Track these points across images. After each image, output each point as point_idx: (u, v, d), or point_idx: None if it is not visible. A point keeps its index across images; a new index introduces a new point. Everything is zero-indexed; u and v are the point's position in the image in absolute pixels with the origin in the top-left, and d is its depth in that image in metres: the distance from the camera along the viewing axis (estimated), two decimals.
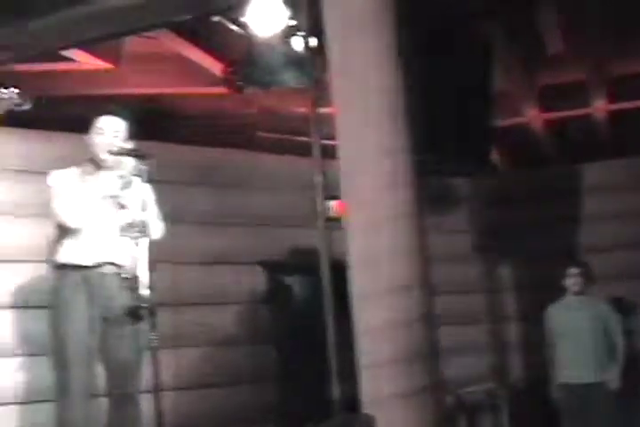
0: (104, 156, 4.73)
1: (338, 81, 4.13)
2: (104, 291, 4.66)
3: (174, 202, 5.50)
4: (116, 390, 4.78)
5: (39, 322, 5.66)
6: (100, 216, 4.69)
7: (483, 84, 5.79)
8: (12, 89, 2.74)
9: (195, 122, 7.15)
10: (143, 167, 4.48)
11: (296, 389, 7.13)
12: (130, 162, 4.63)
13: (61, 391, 4.67)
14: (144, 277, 4.36)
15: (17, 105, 2.87)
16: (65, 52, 5.79)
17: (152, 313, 4.29)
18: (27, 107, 2.77)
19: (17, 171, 6.14)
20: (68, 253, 4.69)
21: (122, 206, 4.70)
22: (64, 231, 4.71)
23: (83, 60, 6.18)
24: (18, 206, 6.07)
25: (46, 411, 5.27)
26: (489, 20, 5.60)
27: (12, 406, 5.95)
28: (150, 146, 4.96)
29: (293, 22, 4.92)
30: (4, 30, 4.79)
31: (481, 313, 8.91)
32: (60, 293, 4.73)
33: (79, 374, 4.63)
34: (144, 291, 4.33)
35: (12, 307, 6.06)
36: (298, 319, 7.26)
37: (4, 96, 2.86)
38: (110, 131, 4.76)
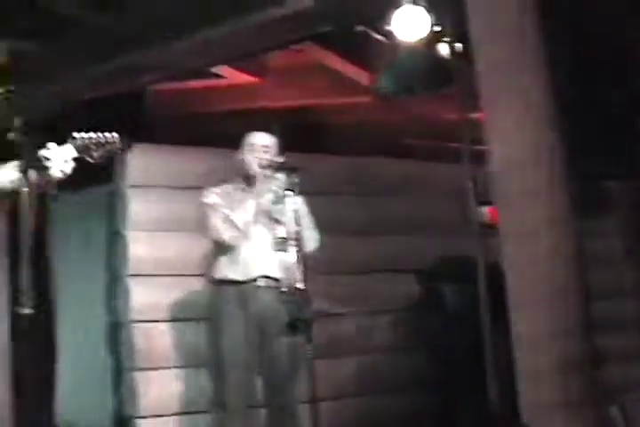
0: (255, 171, 4.76)
1: (485, 85, 4.05)
2: (260, 305, 4.71)
3: (328, 213, 5.51)
4: (275, 401, 4.82)
5: (197, 335, 5.78)
6: (254, 231, 4.74)
7: None
8: (114, 134, 2.76)
9: (343, 132, 7.15)
10: (294, 180, 4.48)
11: (453, 397, 7.02)
12: (281, 176, 4.67)
13: (220, 403, 4.75)
14: (300, 289, 4.38)
15: (115, 151, 2.90)
16: (213, 69, 5.92)
17: (308, 325, 4.30)
18: (122, 153, 2.82)
19: (170, 187, 6.26)
20: (225, 268, 4.77)
21: (275, 221, 4.74)
22: (220, 247, 4.79)
23: (230, 75, 6.30)
24: (172, 222, 6.19)
25: (204, 423, 5.37)
26: None
27: (171, 418, 6.07)
28: (301, 158, 4.98)
29: (438, 28, 4.86)
30: (151, 51, 4.91)
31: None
32: (217, 307, 4.83)
33: (237, 387, 4.69)
34: (300, 303, 4.34)
35: (171, 320, 6.18)
36: (454, 327, 7.15)
37: (103, 140, 2.88)
38: (260, 146, 4.79)
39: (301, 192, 4.57)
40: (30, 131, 2.57)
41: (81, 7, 4.81)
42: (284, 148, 4.89)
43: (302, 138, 6.06)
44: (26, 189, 2.42)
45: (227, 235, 4.72)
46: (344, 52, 5.89)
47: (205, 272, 5.10)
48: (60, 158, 2.82)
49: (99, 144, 2.78)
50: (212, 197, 4.88)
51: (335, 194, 6.68)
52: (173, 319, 6.19)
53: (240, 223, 4.69)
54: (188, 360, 6.11)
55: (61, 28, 5.09)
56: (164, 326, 6.17)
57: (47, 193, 2.37)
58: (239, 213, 4.70)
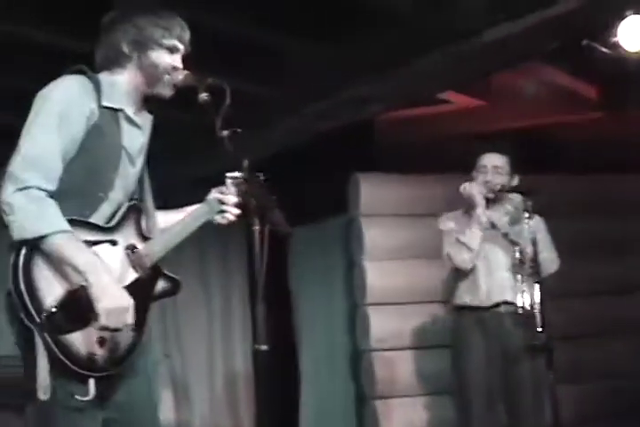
0: (489, 194, 4.70)
1: None
2: (501, 330, 4.63)
3: (567, 233, 5.36)
4: None
5: (439, 362, 5.75)
6: (492, 254, 4.69)
7: None
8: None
9: (576, 149, 6.95)
10: (529, 201, 4.40)
11: None
12: (516, 197, 4.59)
13: None
14: (539, 313, 4.27)
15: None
16: (438, 95, 5.93)
17: (549, 350, 4.20)
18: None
19: (404, 215, 6.30)
20: (464, 294, 4.74)
21: (513, 243, 4.66)
22: (458, 272, 4.76)
23: (456, 100, 6.28)
24: (408, 250, 6.22)
25: None
26: None
27: None
28: (535, 179, 4.88)
29: None
30: (376, 80, 4.95)
31: None
32: (458, 333, 4.79)
33: (481, 414, 4.62)
34: (540, 328, 4.24)
35: (412, 348, 6.19)
36: None
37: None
38: (492, 167, 4.72)
39: (539, 213, 4.49)
40: (255, 171, 2.62)
41: (302, 43, 4.92)
42: (516, 168, 4.80)
43: (534, 158, 5.93)
44: (257, 228, 2.47)
45: (459, 259, 4.69)
46: (569, 67, 5.74)
47: (445, 299, 5.07)
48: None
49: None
50: (447, 222, 4.86)
51: (573, 214, 6.48)
52: (414, 347, 6.20)
53: (472, 246, 4.64)
54: (430, 388, 6.11)
55: (281, 66, 5.24)
56: (404, 354, 6.19)
57: (281, 230, 2.41)
58: (470, 236, 4.65)
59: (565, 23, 4.14)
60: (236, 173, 2.79)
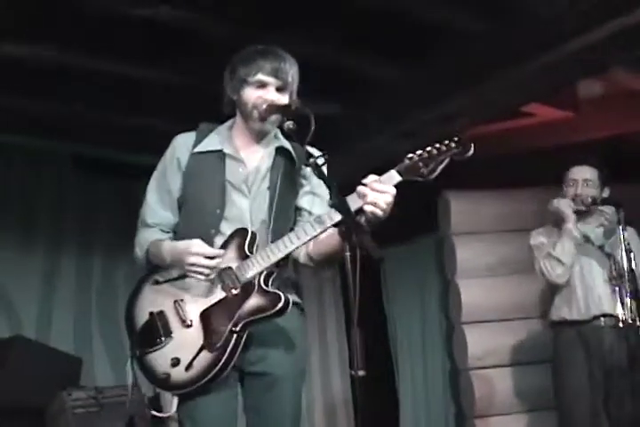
0: (581, 207, 4.63)
1: None
2: (602, 343, 4.55)
3: None
4: None
5: (538, 378, 5.68)
6: (588, 268, 4.62)
7: None
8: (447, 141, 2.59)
9: None
10: (622, 213, 4.34)
11: None
12: (608, 209, 4.53)
13: None
14: (637, 325, 4.21)
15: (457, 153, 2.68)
16: (523, 108, 5.87)
17: None
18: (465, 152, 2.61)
19: (495, 231, 6.25)
20: (561, 309, 4.67)
21: (608, 255, 4.59)
22: (554, 287, 4.70)
23: (541, 112, 6.21)
24: (502, 266, 6.17)
25: None
26: None
27: None
28: (625, 189, 4.81)
29: None
30: (458, 98, 4.94)
31: None
32: (558, 349, 4.72)
33: None
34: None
35: (510, 365, 6.12)
36: None
37: (434, 152, 2.69)
38: (583, 181, 4.66)
39: (631, 223, 4.44)
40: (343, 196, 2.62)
41: (383, 63, 4.94)
42: (606, 179, 4.73)
43: (625, 169, 5.81)
44: (349, 253, 2.47)
45: (553, 274, 4.63)
46: None
47: (542, 314, 5.01)
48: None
49: (430, 157, 2.69)
50: (537, 237, 4.81)
51: None
52: (512, 364, 6.12)
53: (564, 260, 4.58)
54: (530, 405, 6.02)
55: (366, 87, 5.26)
56: (502, 372, 6.13)
57: (373, 254, 2.40)
58: (562, 250, 4.59)
59: None
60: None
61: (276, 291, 2.78)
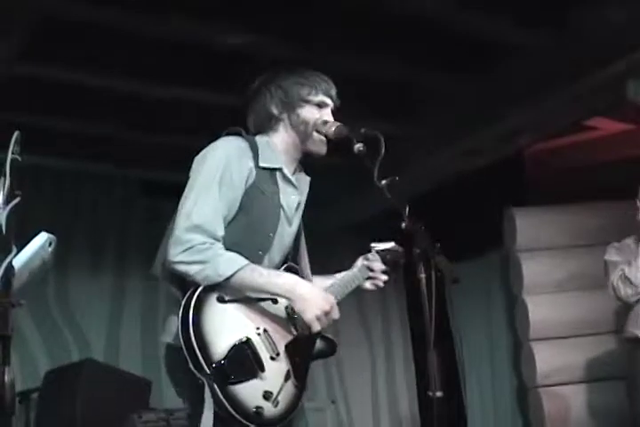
0: None
1: None
2: None
3: None
4: None
5: (600, 395, 5.61)
6: None
7: None
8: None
9: None
10: None
11: None
12: None
13: None
14: None
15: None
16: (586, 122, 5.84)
17: None
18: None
19: (562, 247, 6.20)
20: (633, 326, 4.58)
21: None
22: (627, 304, 4.62)
23: (604, 126, 6.16)
24: (570, 282, 6.11)
25: None
26: None
27: None
28: None
29: None
30: (525, 111, 4.90)
31: None
32: (632, 365, 4.62)
33: None
34: None
35: (581, 382, 6.05)
36: None
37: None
38: None
39: None
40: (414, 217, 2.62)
41: (442, 80, 4.93)
42: None
43: None
44: (423, 275, 2.47)
45: (622, 294, 4.56)
46: None
47: (617, 330, 4.93)
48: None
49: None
50: (612, 252, 4.74)
51: None
52: (582, 381, 6.04)
53: (636, 282, 4.50)
54: (604, 423, 5.92)
55: (423, 104, 5.26)
56: (573, 389, 6.05)
57: (448, 275, 2.40)
58: (635, 270, 4.51)
59: None
60: (381, 245, 2.95)
61: (330, 336, 2.84)
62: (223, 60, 4.45)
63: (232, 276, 2.55)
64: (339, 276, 2.95)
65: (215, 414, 2.50)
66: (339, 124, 2.81)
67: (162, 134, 5.37)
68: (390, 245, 3.00)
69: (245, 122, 2.87)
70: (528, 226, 6.21)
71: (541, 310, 6.11)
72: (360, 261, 2.97)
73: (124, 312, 6.32)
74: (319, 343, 2.81)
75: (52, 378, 5.50)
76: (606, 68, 4.36)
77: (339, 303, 2.74)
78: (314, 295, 2.62)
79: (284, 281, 2.64)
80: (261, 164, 2.74)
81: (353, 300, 6.81)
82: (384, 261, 2.97)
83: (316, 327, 2.60)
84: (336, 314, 2.65)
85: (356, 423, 7.04)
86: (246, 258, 2.62)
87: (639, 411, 4.59)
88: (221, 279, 2.54)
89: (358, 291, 2.95)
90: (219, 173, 2.67)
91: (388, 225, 2.81)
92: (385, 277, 2.92)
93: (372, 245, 2.97)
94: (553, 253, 6.21)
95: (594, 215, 5.89)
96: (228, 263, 2.57)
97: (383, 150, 2.63)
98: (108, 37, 4.17)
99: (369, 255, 2.95)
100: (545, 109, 4.87)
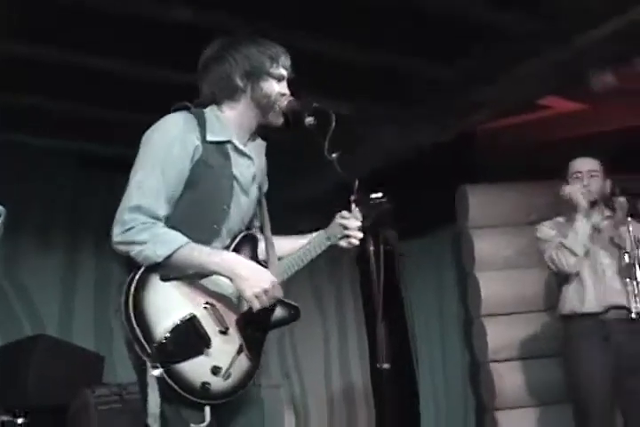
0: (590, 198, 4.60)
1: None
2: (613, 337, 4.47)
3: None
4: None
5: (549, 371, 5.70)
6: (597, 259, 4.61)
7: None
8: (380, 194, 2.69)
9: None
10: (632, 203, 4.35)
11: None
12: (619, 200, 4.50)
13: None
14: None
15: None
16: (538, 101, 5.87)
17: None
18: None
19: (510, 224, 6.27)
20: (572, 301, 4.61)
21: (619, 246, 4.56)
22: (563, 279, 4.67)
23: (556, 105, 6.20)
24: (517, 259, 6.21)
25: None
26: None
27: None
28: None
29: None
30: (484, 88, 4.93)
31: None
32: (568, 341, 4.67)
33: (599, 424, 4.49)
34: None
35: (525, 358, 6.13)
36: None
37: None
38: (587, 172, 4.64)
39: (632, 215, 4.41)
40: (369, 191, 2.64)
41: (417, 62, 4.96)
42: (619, 170, 4.71)
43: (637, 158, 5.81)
44: (372, 248, 2.49)
45: (563, 262, 4.59)
46: None
47: (553, 307, 5.00)
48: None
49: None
50: (544, 230, 4.80)
51: None
52: (527, 357, 6.13)
53: (576, 250, 4.56)
54: (547, 398, 6.02)
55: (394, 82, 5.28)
56: (519, 365, 6.14)
57: (395, 250, 2.43)
58: (574, 240, 4.57)
59: None
60: (357, 196, 2.84)
61: (293, 303, 2.84)
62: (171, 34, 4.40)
63: (170, 256, 2.55)
64: (311, 235, 2.92)
65: (162, 393, 2.51)
66: (291, 98, 2.83)
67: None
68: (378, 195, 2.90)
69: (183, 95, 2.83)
70: (480, 203, 6.28)
71: (492, 285, 6.21)
72: (336, 220, 2.90)
73: (77, 288, 6.27)
74: (280, 311, 2.81)
75: (4, 353, 5.47)
76: (564, 45, 4.40)
77: (291, 278, 2.78)
78: (253, 274, 2.61)
79: (222, 259, 2.62)
80: (209, 138, 2.73)
81: (306, 274, 6.83)
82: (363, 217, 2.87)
83: (256, 306, 2.60)
84: (278, 292, 2.66)
85: (308, 395, 7.08)
86: (201, 233, 2.64)
87: (578, 389, 4.58)
88: (160, 260, 2.55)
89: (312, 264, 2.92)
90: (162, 151, 2.66)
91: (345, 199, 2.83)
92: (361, 235, 2.83)
93: (351, 198, 2.87)
94: (504, 231, 6.29)
95: (544, 193, 5.94)
96: (167, 243, 2.56)
97: (334, 124, 2.65)
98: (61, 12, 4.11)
99: (344, 213, 2.88)
100: (503, 86, 4.91)
